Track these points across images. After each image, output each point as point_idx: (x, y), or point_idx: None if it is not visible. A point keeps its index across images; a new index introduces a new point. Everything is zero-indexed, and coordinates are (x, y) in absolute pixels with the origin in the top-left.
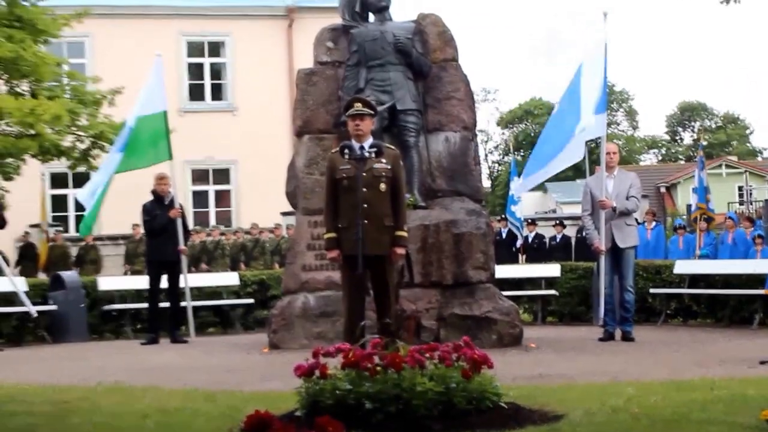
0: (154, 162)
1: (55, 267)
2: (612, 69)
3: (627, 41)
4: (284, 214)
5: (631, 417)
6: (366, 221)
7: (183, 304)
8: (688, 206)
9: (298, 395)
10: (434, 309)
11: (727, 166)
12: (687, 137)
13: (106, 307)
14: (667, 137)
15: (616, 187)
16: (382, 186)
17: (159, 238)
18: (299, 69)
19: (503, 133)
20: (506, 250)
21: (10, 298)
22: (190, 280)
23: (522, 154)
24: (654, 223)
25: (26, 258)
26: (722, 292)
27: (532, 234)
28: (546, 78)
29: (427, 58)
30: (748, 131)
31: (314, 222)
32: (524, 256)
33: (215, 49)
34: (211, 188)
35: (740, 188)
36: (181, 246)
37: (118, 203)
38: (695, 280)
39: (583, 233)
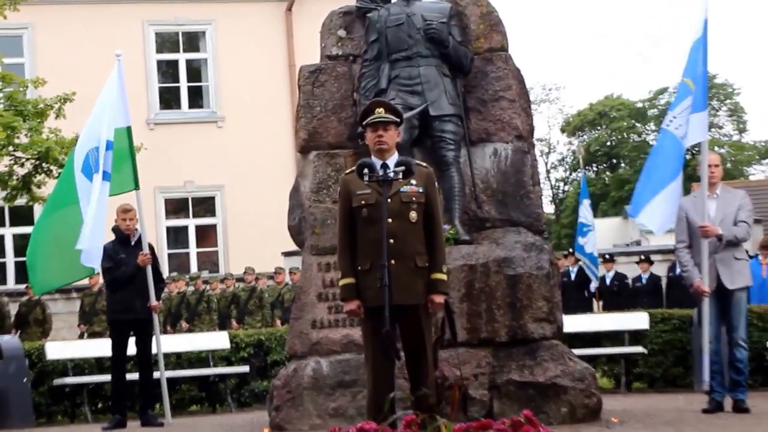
0: (116, 192)
1: None
2: (711, 56)
3: (730, 22)
4: (287, 254)
5: None
6: (393, 262)
7: (157, 375)
8: None
9: None
10: (485, 375)
11: None
12: None
13: (57, 382)
14: None
15: (721, 209)
16: (413, 215)
17: (124, 291)
18: (302, 66)
19: (570, 143)
20: (577, 296)
21: None
22: (165, 343)
23: (595, 168)
24: None
25: None
26: None
27: (611, 274)
28: (623, 70)
29: (468, 47)
30: None
31: (326, 264)
32: (600, 303)
33: (193, 41)
34: (191, 222)
35: None
36: (153, 301)
37: None
38: None
39: (678, 271)
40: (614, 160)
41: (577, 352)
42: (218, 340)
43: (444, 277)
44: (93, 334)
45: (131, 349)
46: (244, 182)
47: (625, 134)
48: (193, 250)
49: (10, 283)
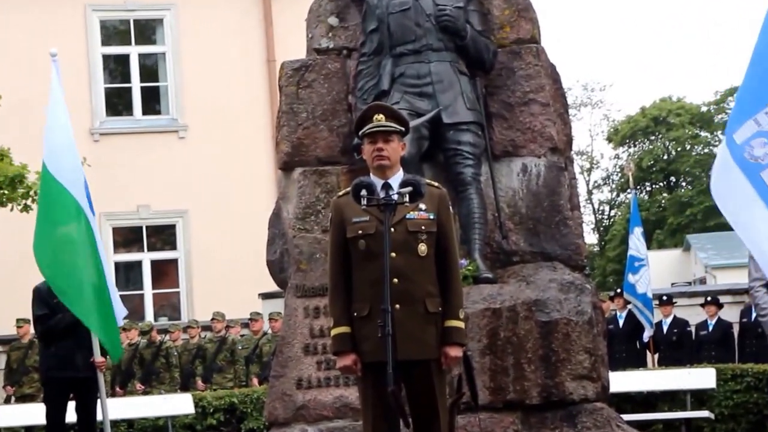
0: None
1: None
2: None
3: None
4: (264, 296)
5: None
6: (398, 306)
7: None
8: None
9: None
10: None
11: None
12: None
13: None
14: None
15: None
16: (423, 248)
17: (61, 344)
18: (284, 62)
19: (617, 156)
20: (627, 347)
21: None
22: (113, 408)
23: (649, 188)
24: None
25: None
26: None
27: (669, 319)
28: (683, 66)
29: (490, 38)
30: None
31: (314, 308)
32: (656, 356)
33: (147, 32)
34: (146, 257)
35: None
36: (98, 356)
37: None
38: None
39: (754, 316)
40: (672, 178)
41: (627, 417)
42: (180, 403)
43: (461, 324)
44: (22, 397)
45: (70, 415)
46: (211, 207)
47: (686, 145)
48: (148, 291)
49: None
